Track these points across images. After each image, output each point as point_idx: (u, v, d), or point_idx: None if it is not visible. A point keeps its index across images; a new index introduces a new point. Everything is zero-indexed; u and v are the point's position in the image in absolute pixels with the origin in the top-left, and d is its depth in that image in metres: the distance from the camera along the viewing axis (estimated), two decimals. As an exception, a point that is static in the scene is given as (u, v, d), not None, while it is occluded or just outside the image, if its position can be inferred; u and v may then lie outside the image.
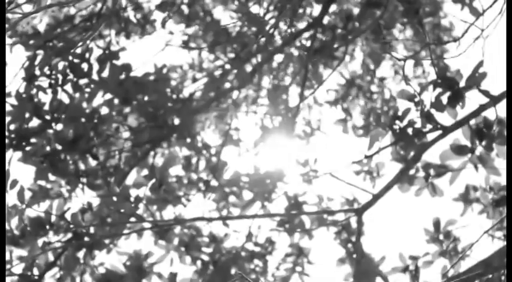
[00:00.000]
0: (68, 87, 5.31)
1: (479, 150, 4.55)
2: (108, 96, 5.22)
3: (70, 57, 5.33)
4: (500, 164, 4.59)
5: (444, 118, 4.41)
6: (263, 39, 5.83)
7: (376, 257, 5.90)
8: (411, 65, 7.42)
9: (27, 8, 6.72)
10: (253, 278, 6.04)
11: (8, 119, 5.19)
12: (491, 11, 3.94)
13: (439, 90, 4.41)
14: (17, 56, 6.28)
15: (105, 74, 5.39)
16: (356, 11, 6.37)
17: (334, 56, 6.45)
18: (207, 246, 5.89)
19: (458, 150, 4.58)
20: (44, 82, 5.34)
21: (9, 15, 6.55)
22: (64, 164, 5.02)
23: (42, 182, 5.14)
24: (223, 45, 7.05)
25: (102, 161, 5.28)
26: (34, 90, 5.29)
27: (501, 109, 4.37)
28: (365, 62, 7.89)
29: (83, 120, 5.12)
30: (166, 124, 5.46)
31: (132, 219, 4.88)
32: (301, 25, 6.55)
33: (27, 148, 5.07)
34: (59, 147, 5.06)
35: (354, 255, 6.00)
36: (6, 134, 5.09)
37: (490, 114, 4.45)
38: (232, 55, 6.99)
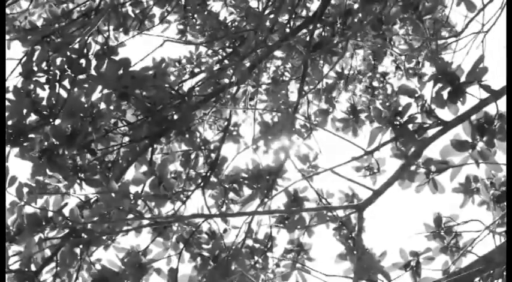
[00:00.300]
0: (66, 82, 5.28)
1: (480, 145, 4.52)
2: (106, 91, 5.18)
3: (68, 53, 5.30)
4: (501, 159, 4.56)
5: (445, 113, 4.39)
6: (262, 34, 5.80)
7: (377, 253, 5.87)
8: (410, 59, 7.40)
9: (25, 3, 6.70)
10: (253, 274, 6.01)
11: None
12: (491, 6, 3.92)
13: (439, 85, 4.38)
14: (14, 52, 6.26)
15: (103, 69, 5.35)
16: (356, 6, 6.35)
17: (333, 52, 6.42)
18: (206, 242, 5.87)
19: (459, 145, 4.55)
20: (41, 78, 5.31)
21: (7, 11, 6.53)
22: (62, 160, 4.99)
23: (39, 178, 5.12)
24: (221, 40, 7.02)
25: (100, 157, 5.26)
26: (32, 86, 5.26)
27: (502, 104, 4.34)
28: (366, 59, 7.87)
29: (81, 115, 5.08)
30: (165, 119, 5.43)
31: (131, 215, 4.86)
32: (301, 20, 6.53)
33: (25, 143, 5.04)
34: (57, 142, 5.03)
35: (355, 252, 5.97)
36: (4, 129, 5.07)
37: (491, 109, 4.42)
38: (230, 50, 6.96)
